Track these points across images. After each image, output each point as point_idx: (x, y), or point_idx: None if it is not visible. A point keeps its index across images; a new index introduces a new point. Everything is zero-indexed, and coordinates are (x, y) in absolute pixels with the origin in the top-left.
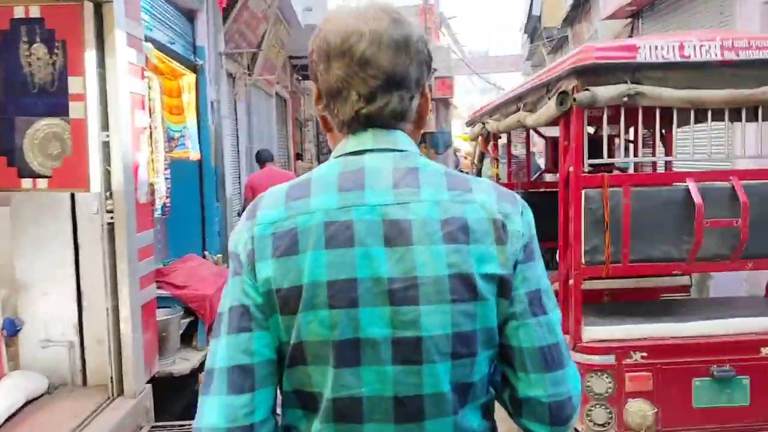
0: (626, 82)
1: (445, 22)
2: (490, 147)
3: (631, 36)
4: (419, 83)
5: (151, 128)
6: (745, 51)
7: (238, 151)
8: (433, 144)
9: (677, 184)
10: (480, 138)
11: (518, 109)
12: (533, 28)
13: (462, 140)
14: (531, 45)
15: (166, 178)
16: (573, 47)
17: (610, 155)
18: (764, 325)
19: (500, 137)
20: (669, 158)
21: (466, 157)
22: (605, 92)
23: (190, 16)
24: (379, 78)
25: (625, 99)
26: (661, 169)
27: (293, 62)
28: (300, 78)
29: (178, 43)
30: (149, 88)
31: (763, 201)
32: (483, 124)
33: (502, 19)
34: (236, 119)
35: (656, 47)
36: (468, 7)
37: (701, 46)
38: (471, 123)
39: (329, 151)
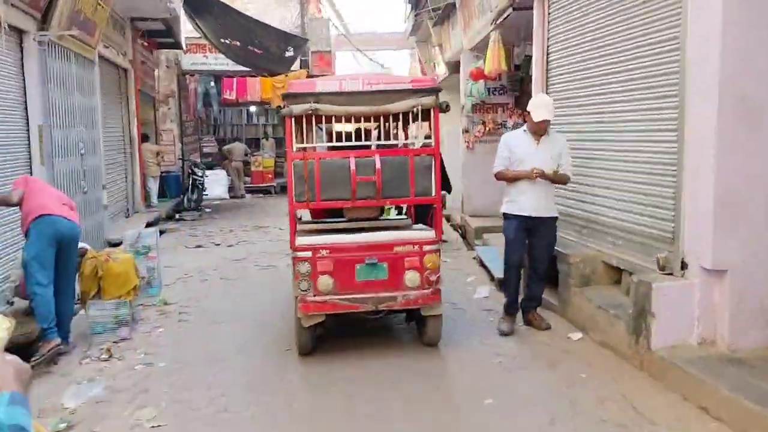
0: (310, 102)
1: None
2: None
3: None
4: None
5: None
6: (376, 85)
7: (27, 130)
8: None
9: (347, 157)
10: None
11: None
12: None
13: None
14: (416, 15)
15: None
16: (461, 18)
17: (309, 141)
18: (396, 236)
19: None
20: (340, 143)
21: None
22: (298, 108)
23: None
24: None
25: (309, 112)
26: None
27: (138, 25)
28: (149, 46)
29: None
30: None
31: (389, 167)
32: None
33: None
34: (24, 87)
35: (327, 83)
36: None
37: (353, 81)
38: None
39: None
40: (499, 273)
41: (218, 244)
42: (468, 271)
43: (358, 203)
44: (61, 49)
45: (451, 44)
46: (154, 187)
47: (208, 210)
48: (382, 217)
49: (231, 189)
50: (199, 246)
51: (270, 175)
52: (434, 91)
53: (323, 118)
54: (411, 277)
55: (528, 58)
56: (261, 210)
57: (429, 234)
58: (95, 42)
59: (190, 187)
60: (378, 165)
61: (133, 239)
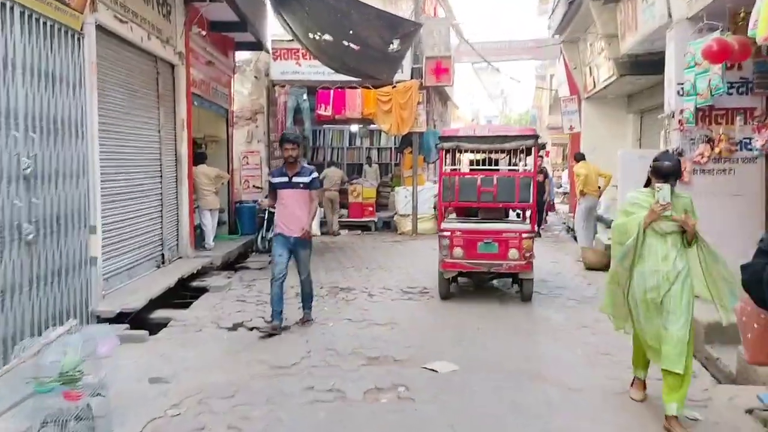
0: (455, 141)
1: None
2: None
3: None
4: None
5: None
6: (496, 132)
7: None
8: (423, 149)
9: (476, 176)
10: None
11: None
12: None
13: None
14: (569, 2)
15: None
16: None
17: (455, 164)
18: (504, 226)
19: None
20: (473, 167)
21: None
22: (447, 144)
23: None
24: None
25: (454, 146)
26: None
27: (195, 8)
28: (222, 45)
29: None
30: None
31: (502, 182)
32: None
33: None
34: None
35: (466, 130)
36: None
37: (481, 128)
38: (446, 139)
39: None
40: None
41: (269, 323)
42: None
43: (482, 205)
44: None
45: (636, 24)
46: (209, 222)
47: None
48: (505, 218)
49: (324, 224)
50: (237, 326)
51: (371, 208)
52: (534, 136)
53: (462, 151)
54: (512, 253)
55: None
56: (356, 254)
57: (526, 226)
58: (82, 3)
59: (265, 222)
60: (495, 181)
61: (54, 353)
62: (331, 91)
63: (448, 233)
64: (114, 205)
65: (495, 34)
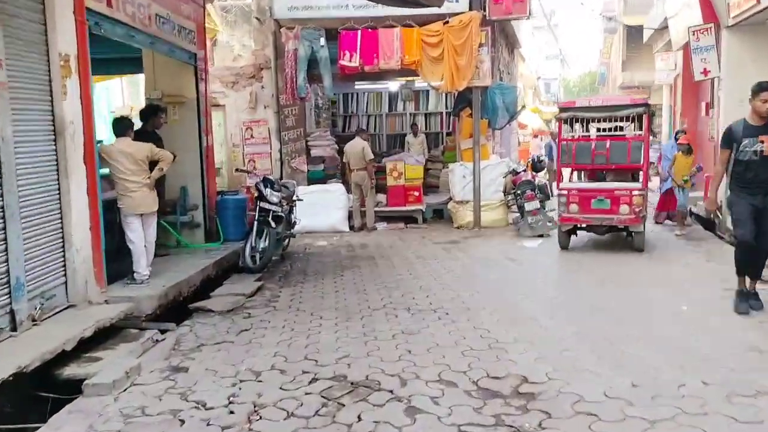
0: (572, 111)
1: None
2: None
3: None
4: None
5: None
6: (608, 102)
7: None
8: (488, 110)
9: (591, 141)
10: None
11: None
12: None
13: (539, 117)
14: None
15: None
16: None
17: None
18: (616, 185)
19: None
20: (587, 134)
21: (537, 135)
22: (565, 114)
23: None
24: None
25: (571, 116)
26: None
27: None
28: None
29: None
30: None
31: (615, 146)
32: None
33: None
34: None
35: (581, 101)
36: None
37: (595, 100)
38: (564, 110)
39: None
40: None
41: None
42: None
43: (596, 167)
44: None
45: None
46: (139, 236)
47: (299, 261)
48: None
49: (351, 215)
50: None
51: (416, 193)
52: (645, 105)
53: (579, 120)
54: (623, 209)
55: None
56: (390, 271)
57: (637, 185)
58: None
59: (255, 226)
60: (608, 145)
61: None
62: (358, 33)
63: (565, 192)
64: None
65: None
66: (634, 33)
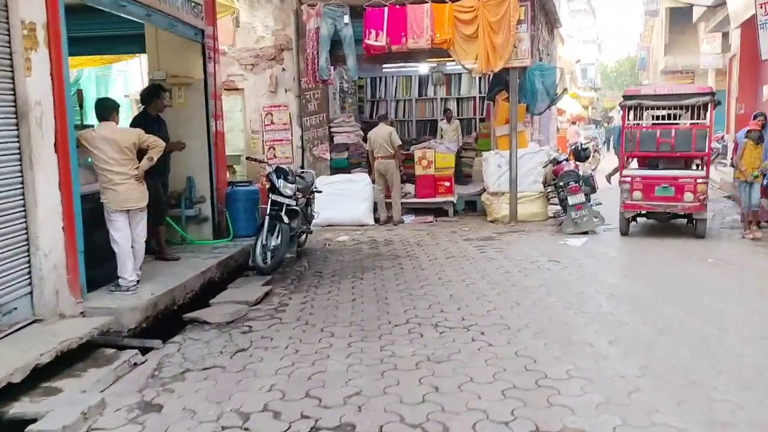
0: (637, 99)
1: None
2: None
3: None
4: None
5: None
6: (674, 90)
7: None
8: (526, 93)
9: (657, 129)
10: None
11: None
12: None
13: (578, 102)
14: None
15: None
16: None
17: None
18: (680, 173)
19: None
20: (652, 122)
21: (574, 122)
22: (630, 102)
23: None
24: None
25: (636, 103)
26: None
27: None
28: None
29: None
30: None
31: (680, 134)
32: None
33: None
34: None
35: (646, 89)
36: None
37: (661, 88)
38: (630, 98)
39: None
40: None
41: None
42: None
43: (660, 154)
44: None
45: None
46: (126, 236)
47: (316, 259)
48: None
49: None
50: None
51: (447, 183)
52: (710, 93)
53: (633, 108)
54: (687, 196)
55: None
56: (416, 274)
57: (701, 173)
58: None
59: (266, 222)
60: (673, 133)
61: None
62: (385, 9)
63: (629, 179)
64: None
65: None
66: (677, 14)
